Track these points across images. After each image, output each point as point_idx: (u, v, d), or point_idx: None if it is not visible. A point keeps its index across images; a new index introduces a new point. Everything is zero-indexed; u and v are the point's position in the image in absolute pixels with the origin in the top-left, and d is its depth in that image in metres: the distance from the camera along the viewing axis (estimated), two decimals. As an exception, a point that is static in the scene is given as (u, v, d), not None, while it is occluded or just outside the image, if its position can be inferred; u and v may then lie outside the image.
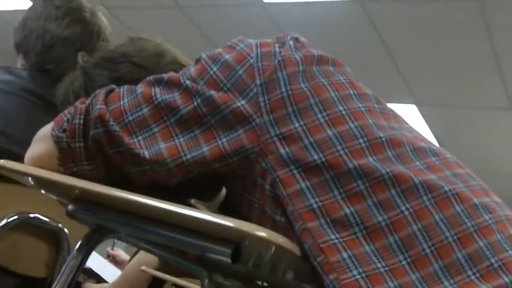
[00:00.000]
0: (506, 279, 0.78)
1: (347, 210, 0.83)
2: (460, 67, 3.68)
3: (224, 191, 1.05)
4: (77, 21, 1.56)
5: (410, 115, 4.35)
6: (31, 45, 1.55)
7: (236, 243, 0.78)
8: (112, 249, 2.86)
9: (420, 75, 3.90)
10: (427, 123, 4.53)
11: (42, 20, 1.55)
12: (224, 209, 1.07)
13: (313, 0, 3.33)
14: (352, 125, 0.88)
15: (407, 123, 0.98)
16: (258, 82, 0.90)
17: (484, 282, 0.77)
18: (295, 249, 0.81)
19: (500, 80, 3.69)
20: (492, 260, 0.79)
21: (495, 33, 3.23)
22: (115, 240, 2.71)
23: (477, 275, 0.78)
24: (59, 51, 1.53)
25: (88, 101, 0.96)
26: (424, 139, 0.94)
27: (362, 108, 0.91)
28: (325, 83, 0.92)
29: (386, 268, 0.79)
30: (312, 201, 0.84)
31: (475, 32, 3.25)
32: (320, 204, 0.83)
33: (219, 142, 0.89)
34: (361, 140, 0.87)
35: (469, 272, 0.78)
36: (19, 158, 1.02)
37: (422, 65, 3.77)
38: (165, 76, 0.96)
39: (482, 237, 0.80)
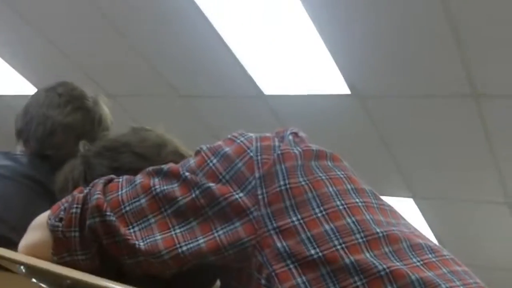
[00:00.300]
0: None
1: None
2: (457, 162, 3.71)
3: (218, 283, 1.04)
4: (79, 108, 1.58)
5: (407, 209, 4.35)
6: (32, 131, 1.56)
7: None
8: None
9: (417, 170, 3.93)
10: (424, 217, 4.52)
11: (44, 108, 1.57)
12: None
13: (313, 94, 3.41)
14: (349, 220, 0.89)
15: (404, 219, 0.99)
16: (257, 175, 0.92)
17: None
18: None
19: (497, 175, 3.72)
20: None
21: (491, 127, 3.29)
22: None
23: None
24: (59, 138, 1.54)
25: (86, 191, 0.96)
26: (421, 235, 0.95)
27: (360, 203, 0.92)
28: (323, 177, 0.93)
29: None
30: None
31: (472, 127, 3.31)
32: None
33: (216, 235, 0.89)
34: (358, 236, 0.87)
35: None
36: (15, 246, 1.01)
37: (419, 160, 3.81)
38: (165, 167, 0.97)
39: None
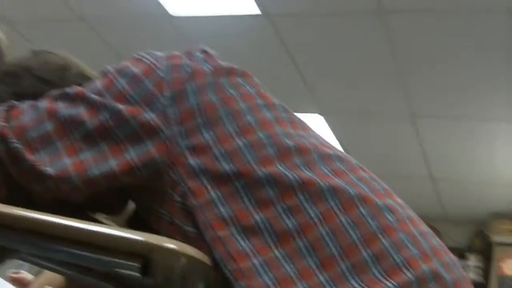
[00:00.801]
0: (410, 275, 0.82)
1: (257, 217, 0.84)
2: (365, 77, 3.81)
3: (133, 204, 1.04)
4: None
5: (316, 124, 4.46)
6: None
7: (145, 256, 0.77)
8: (16, 272, 2.74)
9: (326, 86, 4.02)
10: (333, 132, 4.66)
11: None
12: (133, 223, 1.05)
13: (221, 14, 3.36)
14: (261, 135, 0.90)
15: (314, 131, 1.01)
16: (167, 94, 0.90)
17: (389, 279, 0.81)
18: (206, 259, 0.81)
19: (402, 91, 3.87)
20: (396, 258, 0.83)
21: (397, 44, 3.38)
22: (20, 263, 2.60)
23: (382, 273, 0.81)
24: None
25: None
26: (330, 146, 0.97)
27: (271, 118, 0.93)
28: (234, 94, 0.93)
29: (296, 272, 0.81)
30: (223, 210, 0.85)
31: (379, 43, 3.39)
32: (230, 212, 0.84)
33: (128, 156, 0.88)
34: (270, 149, 0.89)
35: (375, 270, 0.81)
36: None
37: (328, 76, 3.88)
38: (70, 90, 0.94)
39: (386, 236, 0.84)
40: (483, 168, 4.87)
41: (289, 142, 0.91)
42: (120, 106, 0.90)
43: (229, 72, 0.97)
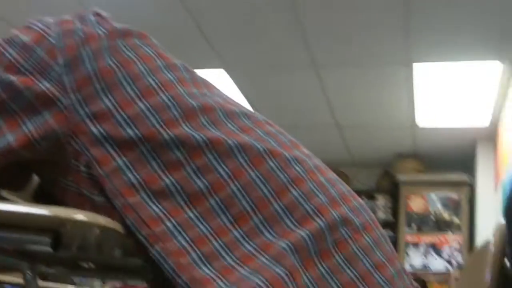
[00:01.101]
0: (320, 222, 0.84)
1: (167, 181, 0.83)
2: (262, 27, 3.81)
3: (36, 178, 1.00)
4: None
5: (219, 79, 4.45)
6: None
7: (55, 230, 0.75)
8: None
9: (228, 40, 3.99)
10: (237, 86, 4.67)
11: None
12: (40, 197, 1.02)
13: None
14: (163, 96, 0.88)
15: (218, 89, 1.01)
16: (60, 61, 0.87)
17: (301, 228, 0.83)
18: (118, 227, 0.80)
19: (303, 41, 3.91)
20: (306, 207, 0.85)
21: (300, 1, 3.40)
22: None
23: (295, 222, 0.84)
24: None
25: None
26: (235, 104, 0.97)
27: (172, 79, 0.92)
28: (132, 56, 0.91)
29: (210, 230, 0.82)
30: (131, 176, 0.83)
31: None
32: (139, 178, 0.83)
33: (25, 129, 0.85)
34: (174, 110, 0.87)
35: (287, 221, 0.83)
36: None
37: (225, 29, 3.86)
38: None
39: (296, 187, 0.86)
40: (386, 112, 5.06)
41: (193, 102, 0.90)
42: (12, 77, 0.86)
43: (125, 34, 0.94)
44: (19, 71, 0.86)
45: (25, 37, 0.89)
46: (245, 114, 0.94)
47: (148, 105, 0.87)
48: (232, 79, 4.55)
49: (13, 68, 0.86)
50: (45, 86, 0.85)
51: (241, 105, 0.98)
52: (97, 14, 0.96)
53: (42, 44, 0.88)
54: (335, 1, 3.44)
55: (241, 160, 0.86)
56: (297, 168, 0.88)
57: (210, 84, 1.00)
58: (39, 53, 0.87)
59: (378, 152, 5.94)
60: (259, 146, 0.88)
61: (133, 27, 0.97)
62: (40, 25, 0.91)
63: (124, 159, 0.84)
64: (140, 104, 0.87)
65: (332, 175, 0.94)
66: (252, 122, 0.93)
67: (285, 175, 0.87)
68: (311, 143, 1.03)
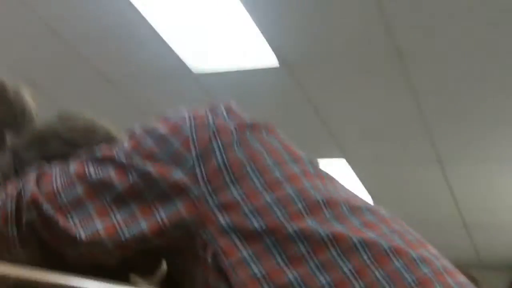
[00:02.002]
0: None
1: (290, 276, 0.82)
2: (388, 123, 3.81)
3: (165, 265, 1.03)
4: (0, 101, 1.52)
5: (341, 169, 4.44)
6: None
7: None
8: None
9: (349, 131, 4.02)
10: (357, 176, 4.63)
11: None
12: (167, 285, 1.04)
13: (242, 69, 3.41)
14: (289, 189, 0.89)
15: (340, 184, 1.00)
16: (193, 153, 0.90)
17: None
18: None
19: (427, 135, 3.84)
20: None
21: (419, 90, 3.38)
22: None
23: None
24: None
25: (20, 185, 0.93)
26: (359, 199, 0.96)
27: (298, 172, 0.93)
28: (260, 149, 0.93)
29: None
30: (256, 269, 0.83)
31: (399, 88, 3.40)
32: (263, 271, 0.83)
33: (158, 217, 0.88)
34: (299, 204, 0.88)
35: None
36: None
37: (350, 122, 3.88)
38: (98, 152, 0.95)
39: None
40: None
41: (318, 196, 0.90)
42: (149, 167, 0.90)
43: (254, 127, 0.97)
44: (155, 161, 0.91)
45: (162, 128, 0.94)
46: (370, 209, 0.93)
47: (275, 198, 0.88)
48: (353, 169, 4.52)
49: (150, 158, 0.91)
50: (178, 176, 0.89)
51: (365, 201, 0.97)
52: (228, 107, 1.00)
53: (177, 136, 0.93)
54: (460, 99, 3.39)
55: (365, 258, 0.84)
56: (424, 269, 0.85)
57: (334, 178, 1.00)
58: (175, 144, 0.92)
59: (509, 253, 5.57)
60: (384, 244, 0.85)
61: (261, 120, 1.00)
62: (175, 117, 0.97)
63: (250, 251, 0.84)
64: (267, 196, 0.88)
65: (463, 278, 0.89)
66: (376, 218, 0.91)
67: (412, 276, 0.83)
68: (435, 241, 0.99)
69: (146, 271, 1.04)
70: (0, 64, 3.52)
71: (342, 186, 0.99)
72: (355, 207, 0.91)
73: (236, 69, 3.43)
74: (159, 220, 0.88)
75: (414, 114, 3.63)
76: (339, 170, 4.39)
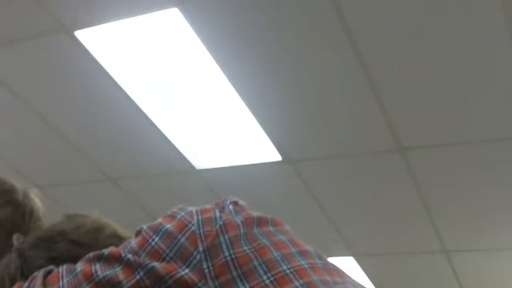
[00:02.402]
0: None
1: None
2: (391, 215, 3.79)
3: None
4: (8, 203, 1.53)
5: (348, 267, 4.38)
6: None
7: None
8: None
9: (354, 228, 3.99)
10: (365, 273, 4.56)
11: None
12: None
13: (245, 164, 3.44)
14: (297, 284, 0.88)
15: (349, 277, 0.99)
16: (201, 248, 0.91)
17: None
18: None
19: (431, 225, 3.82)
20: None
21: (421, 181, 3.39)
22: None
23: None
24: None
25: (25, 285, 0.93)
26: (368, 291, 0.95)
27: (306, 266, 0.92)
28: (267, 243, 0.93)
29: None
30: None
31: (402, 180, 3.41)
32: None
33: None
34: (308, 298, 0.87)
35: None
36: None
37: (355, 217, 3.87)
38: (105, 251, 0.95)
39: None
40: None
41: (327, 290, 0.89)
42: (156, 264, 0.90)
43: (260, 221, 0.98)
44: (162, 258, 0.91)
45: (169, 225, 0.95)
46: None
47: (283, 293, 0.87)
48: (361, 266, 4.46)
49: (157, 255, 0.91)
50: (185, 272, 0.89)
51: None
52: (235, 203, 1.01)
53: (184, 233, 0.93)
54: (462, 187, 3.39)
55: None
56: None
57: (342, 271, 1.00)
58: (182, 241, 0.92)
59: None
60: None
61: (267, 215, 1.01)
62: (182, 213, 0.97)
63: None
64: (275, 291, 0.87)
65: None
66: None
67: None
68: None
69: None
70: (9, 168, 3.56)
71: (351, 279, 0.98)
72: (364, 301, 0.90)
73: (238, 164, 3.46)
74: None
75: (419, 206, 3.62)
76: (346, 267, 4.33)
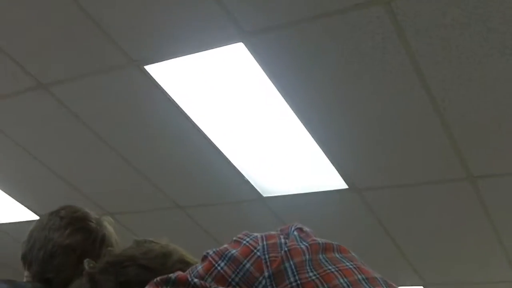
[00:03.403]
0: None
1: None
2: (463, 245, 3.68)
3: None
4: (80, 229, 1.58)
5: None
6: (34, 255, 1.56)
7: None
8: None
9: (424, 257, 3.89)
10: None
11: (46, 231, 1.57)
12: None
13: (311, 191, 3.43)
14: (364, 311, 0.87)
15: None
16: (266, 274, 0.91)
17: None
18: None
19: (504, 253, 3.68)
20: None
21: (491, 207, 3.29)
22: None
23: None
24: (60, 260, 1.53)
25: None
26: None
27: (373, 293, 0.91)
28: (333, 270, 0.93)
29: None
30: None
31: (471, 208, 3.31)
32: None
33: None
34: (374, 326, 0.86)
35: None
36: None
37: (425, 247, 3.77)
38: (173, 275, 0.96)
39: None
40: None
41: (394, 317, 0.87)
42: (222, 289, 0.91)
43: (326, 248, 0.97)
44: (228, 283, 0.92)
45: (234, 251, 0.96)
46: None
47: (349, 319, 0.86)
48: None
49: (223, 280, 0.92)
50: (251, 297, 0.89)
51: None
52: (300, 229, 1.01)
53: (250, 258, 0.94)
54: None
55: None
56: None
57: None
58: (247, 266, 0.93)
59: None
60: None
61: (333, 242, 1.00)
62: (247, 239, 0.98)
63: None
64: (341, 317, 0.86)
65: None
66: None
67: None
68: None
69: None
70: (84, 197, 3.68)
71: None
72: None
73: (304, 191, 3.45)
74: None
75: (489, 234, 3.50)
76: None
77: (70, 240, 1.54)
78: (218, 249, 0.98)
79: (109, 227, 1.64)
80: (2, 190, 3.90)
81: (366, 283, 0.93)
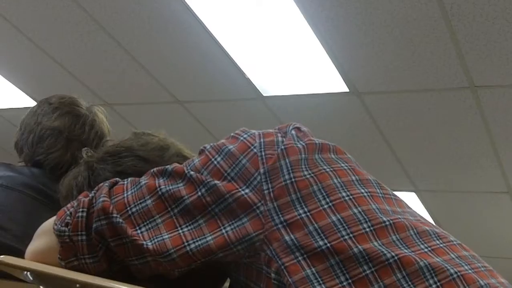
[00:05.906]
0: None
1: None
2: (458, 154, 3.72)
3: (227, 283, 1.04)
4: (67, 113, 1.60)
5: (410, 202, 4.36)
6: (24, 140, 1.59)
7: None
8: None
9: (419, 163, 3.94)
10: (427, 210, 4.53)
11: (35, 117, 1.61)
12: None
13: (312, 93, 3.42)
14: (355, 210, 0.89)
15: (409, 207, 0.99)
16: (261, 170, 0.92)
17: None
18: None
19: (498, 165, 3.73)
20: None
21: (490, 119, 3.29)
22: None
23: None
24: (48, 141, 1.56)
25: (91, 194, 0.97)
26: (427, 223, 0.95)
27: (365, 194, 0.93)
28: (328, 170, 0.94)
29: None
30: (319, 287, 0.83)
31: (470, 118, 3.32)
32: None
33: (223, 231, 0.90)
34: (365, 225, 0.88)
35: None
36: (19, 253, 1.02)
37: (420, 153, 3.81)
38: (169, 167, 0.98)
39: None
40: None
41: (385, 219, 0.89)
42: (217, 182, 0.92)
43: (322, 148, 0.98)
44: (223, 177, 0.93)
45: (231, 146, 0.97)
46: (437, 234, 0.92)
47: (340, 218, 0.88)
48: (422, 202, 4.43)
49: (219, 174, 0.93)
50: (246, 192, 0.91)
51: (433, 225, 0.96)
52: (297, 128, 1.01)
53: (246, 154, 0.95)
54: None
55: (432, 283, 0.82)
56: (493, 298, 0.82)
57: (402, 201, 1.00)
58: (243, 162, 0.94)
59: None
60: (451, 270, 0.84)
61: (329, 143, 1.01)
62: (244, 135, 0.99)
63: (313, 269, 0.85)
64: (332, 216, 0.88)
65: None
66: (444, 243, 0.90)
67: None
68: (505, 274, 0.96)
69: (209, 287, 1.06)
70: (84, 86, 3.67)
71: (411, 210, 0.98)
72: (423, 231, 0.90)
73: (305, 93, 3.44)
74: (225, 234, 0.90)
75: (484, 143, 3.53)
76: (408, 202, 4.31)
77: (58, 123, 1.57)
78: (215, 143, 0.99)
79: (100, 115, 1.65)
80: (3, 76, 3.88)
81: (359, 184, 0.95)
